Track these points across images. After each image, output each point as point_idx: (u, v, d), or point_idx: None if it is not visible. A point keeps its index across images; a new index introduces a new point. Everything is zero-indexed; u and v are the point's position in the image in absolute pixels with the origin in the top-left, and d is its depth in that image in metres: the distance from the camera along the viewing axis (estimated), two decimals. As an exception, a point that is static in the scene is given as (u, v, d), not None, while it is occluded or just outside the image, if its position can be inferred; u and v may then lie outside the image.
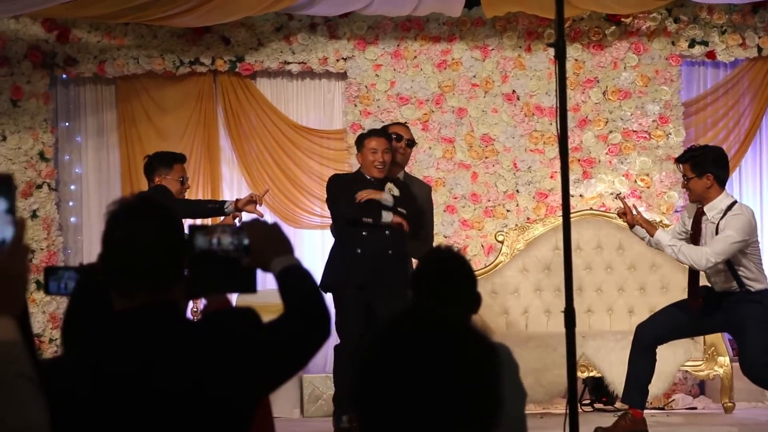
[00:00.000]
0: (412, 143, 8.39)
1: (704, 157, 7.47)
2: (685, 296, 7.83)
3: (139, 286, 2.86)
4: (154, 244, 2.86)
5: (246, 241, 2.98)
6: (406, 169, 8.45)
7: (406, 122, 9.27)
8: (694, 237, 7.54)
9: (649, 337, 7.70)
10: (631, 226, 7.72)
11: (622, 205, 7.80)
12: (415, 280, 4.21)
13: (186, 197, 8.30)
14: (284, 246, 3.00)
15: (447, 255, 4.24)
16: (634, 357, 7.74)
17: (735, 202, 7.54)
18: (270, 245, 2.97)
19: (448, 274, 4.12)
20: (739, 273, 7.41)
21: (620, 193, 9.61)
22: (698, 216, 7.54)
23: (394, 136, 8.12)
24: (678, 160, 7.70)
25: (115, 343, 2.85)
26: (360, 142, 8.04)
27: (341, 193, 7.90)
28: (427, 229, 8.28)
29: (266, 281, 4.08)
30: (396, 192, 7.91)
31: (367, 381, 2.02)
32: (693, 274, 7.65)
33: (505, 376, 2.05)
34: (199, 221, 9.87)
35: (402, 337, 2.01)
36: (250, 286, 3.07)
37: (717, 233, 7.35)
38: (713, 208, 7.42)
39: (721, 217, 7.35)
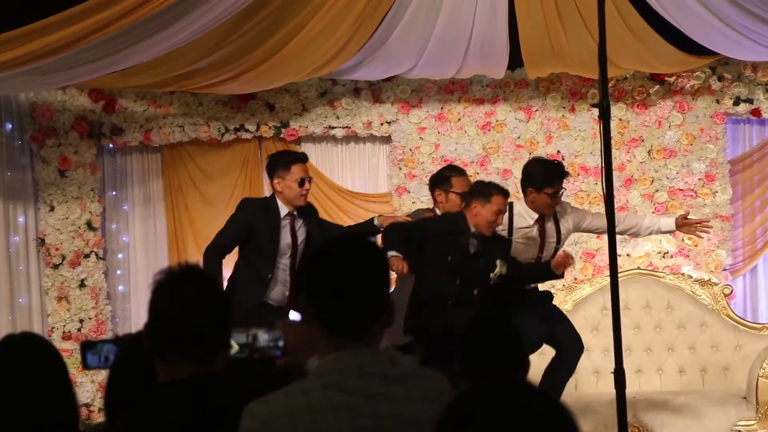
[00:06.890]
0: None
1: None
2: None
3: (185, 354, 2.87)
4: (198, 311, 2.87)
5: (281, 342, 2.97)
6: None
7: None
8: None
9: None
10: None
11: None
12: (466, 348, 3.94)
13: (306, 197, 7.79)
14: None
15: (496, 318, 4.05)
16: None
17: None
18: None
19: (500, 338, 3.90)
20: None
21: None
22: None
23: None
24: None
25: (160, 416, 2.85)
26: (487, 194, 7.51)
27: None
28: None
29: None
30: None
31: None
32: None
33: None
34: None
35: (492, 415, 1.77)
36: None
37: None
38: None
39: None
